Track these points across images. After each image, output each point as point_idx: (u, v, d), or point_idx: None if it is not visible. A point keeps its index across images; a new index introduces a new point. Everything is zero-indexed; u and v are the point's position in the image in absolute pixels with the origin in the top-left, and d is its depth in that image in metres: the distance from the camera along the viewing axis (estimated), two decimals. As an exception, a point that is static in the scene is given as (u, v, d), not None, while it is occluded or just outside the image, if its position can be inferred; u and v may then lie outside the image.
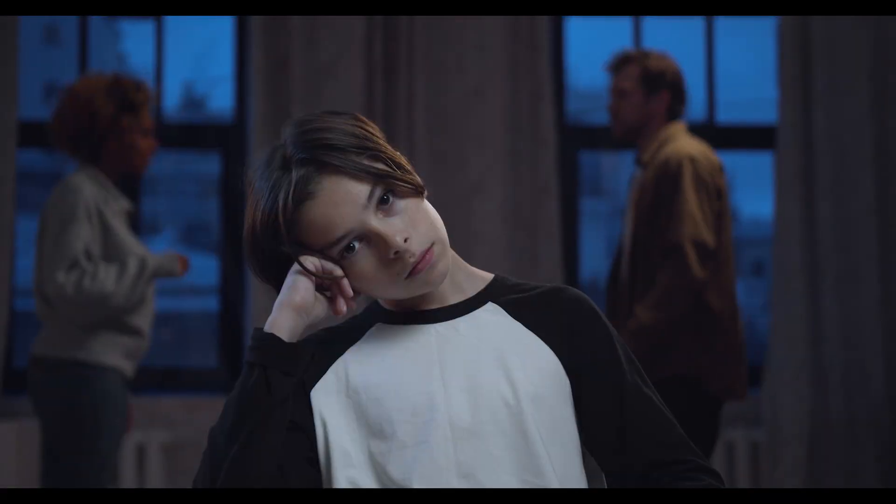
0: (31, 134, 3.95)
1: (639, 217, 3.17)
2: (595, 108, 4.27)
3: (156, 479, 3.93)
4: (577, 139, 4.42)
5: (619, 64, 3.34)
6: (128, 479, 3.89)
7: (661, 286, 3.06)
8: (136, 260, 3.01)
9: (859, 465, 4.03)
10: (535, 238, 4.14)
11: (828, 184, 4.07)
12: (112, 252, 3.03)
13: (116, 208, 3.11)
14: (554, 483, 1.37)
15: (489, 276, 1.52)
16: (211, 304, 4.64)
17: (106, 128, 3.09)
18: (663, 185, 3.13)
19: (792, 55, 4.08)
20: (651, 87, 3.27)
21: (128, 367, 3.06)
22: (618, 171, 8.32)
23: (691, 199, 3.08)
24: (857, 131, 4.08)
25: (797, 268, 4.06)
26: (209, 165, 4.85)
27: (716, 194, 3.14)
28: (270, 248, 1.39)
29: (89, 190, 3.04)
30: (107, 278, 2.95)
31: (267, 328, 1.37)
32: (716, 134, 4.01)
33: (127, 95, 3.11)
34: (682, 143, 3.21)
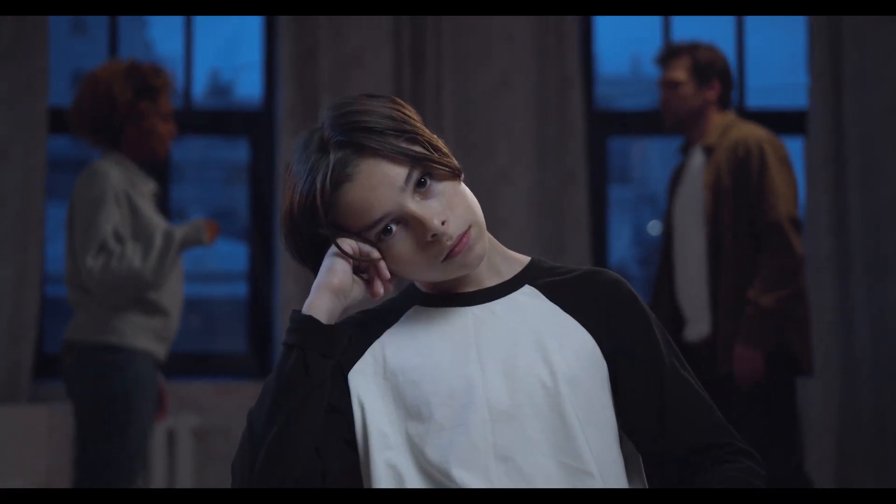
0: (60, 122, 3.97)
1: (717, 200, 3.25)
2: (623, 94, 4.25)
3: (186, 464, 3.95)
4: (605, 126, 4.40)
5: (669, 56, 3.42)
6: (158, 464, 3.92)
7: (771, 268, 3.18)
8: (161, 234, 3.02)
9: (889, 458, 4.00)
10: (562, 226, 4.13)
11: (858, 170, 4.03)
12: (142, 234, 3.05)
13: (144, 190, 3.12)
14: (591, 465, 1.37)
15: (526, 259, 1.52)
16: (239, 289, 4.66)
17: (125, 114, 3.08)
18: (746, 166, 3.24)
19: (822, 40, 4.05)
20: (702, 78, 3.36)
21: (159, 349, 3.07)
22: (646, 159, 8.28)
23: (780, 178, 3.22)
24: (888, 117, 4.04)
25: (826, 257, 4.03)
26: (237, 152, 4.86)
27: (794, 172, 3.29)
28: (308, 231, 1.39)
29: (115, 174, 3.04)
30: (133, 256, 2.96)
31: (305, 310, 1.37)
32: (746, 119, 3.98)
33: (145, 80, 3.11)
34: (750, 127, 3.34)
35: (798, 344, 3.24)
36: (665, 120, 3.45)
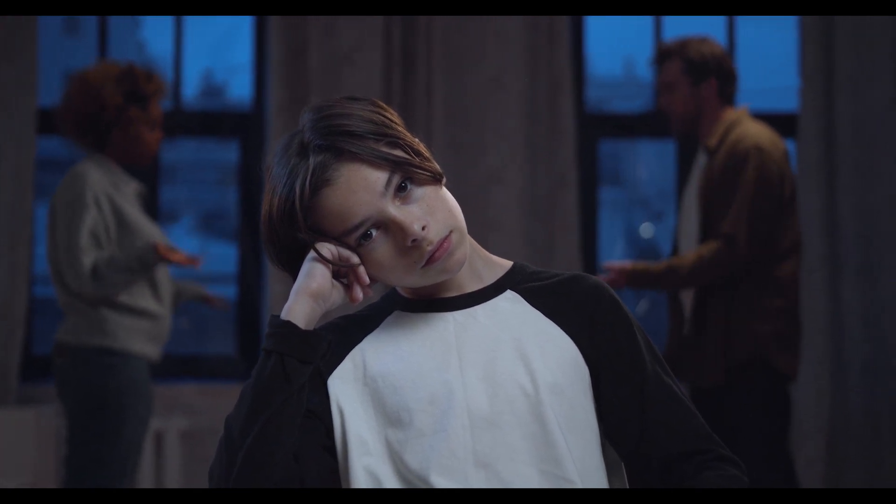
0: (50, 122, 3.95)
1: (708, 208, 3.16)
2: (616, 96, 4.24)
3: (174, 466, 3.94)
4: (596, 128, 4.39)
5: (661, 58, 3.31)
6: (146, 466, 3.90)
7: (703, 260, 3.08)
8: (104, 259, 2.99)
9: (880, 460, 3.99)
10: (552, 228, 4.12)
11: (850, 173, 4.03)
12: (126, 235, 3.03)
13: (127, 191, 3.10)
14: (572, 473, 1.36)
15: (508, 264, 1.51)
16: (229, 291, 4.64)
17: (112, 117, 3.06)
18: (729, 173, 3.12)
19: (814, 42, 4.04)
20: (696, 77, 3.25)
21: (152, 351, 3.07)
22: (639, 161, 8.28)
23: (751, 192, 3.08)
24: (880, 119, 4.04)
25: (818, 259, 4.02)
26: (228, 153, 4.85)
27: (779, 186, 3.14)
28: (287, 235, 1.38)
29: (95, 176, 3.03)
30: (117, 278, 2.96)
31: (283, 315, 1.36)
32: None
33: (137, 86, 3.08)
34: (752, 127, 3.18)
35: (774, 350, 3.14)
36: (670, 124, 3.35)
